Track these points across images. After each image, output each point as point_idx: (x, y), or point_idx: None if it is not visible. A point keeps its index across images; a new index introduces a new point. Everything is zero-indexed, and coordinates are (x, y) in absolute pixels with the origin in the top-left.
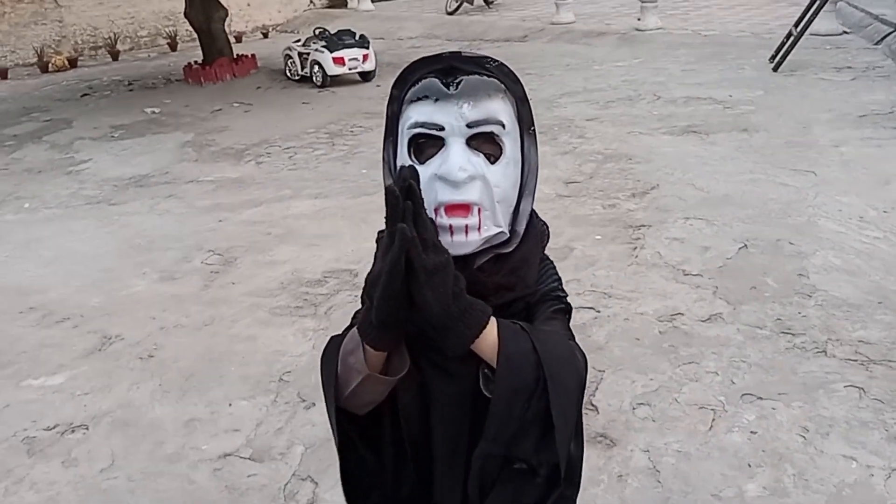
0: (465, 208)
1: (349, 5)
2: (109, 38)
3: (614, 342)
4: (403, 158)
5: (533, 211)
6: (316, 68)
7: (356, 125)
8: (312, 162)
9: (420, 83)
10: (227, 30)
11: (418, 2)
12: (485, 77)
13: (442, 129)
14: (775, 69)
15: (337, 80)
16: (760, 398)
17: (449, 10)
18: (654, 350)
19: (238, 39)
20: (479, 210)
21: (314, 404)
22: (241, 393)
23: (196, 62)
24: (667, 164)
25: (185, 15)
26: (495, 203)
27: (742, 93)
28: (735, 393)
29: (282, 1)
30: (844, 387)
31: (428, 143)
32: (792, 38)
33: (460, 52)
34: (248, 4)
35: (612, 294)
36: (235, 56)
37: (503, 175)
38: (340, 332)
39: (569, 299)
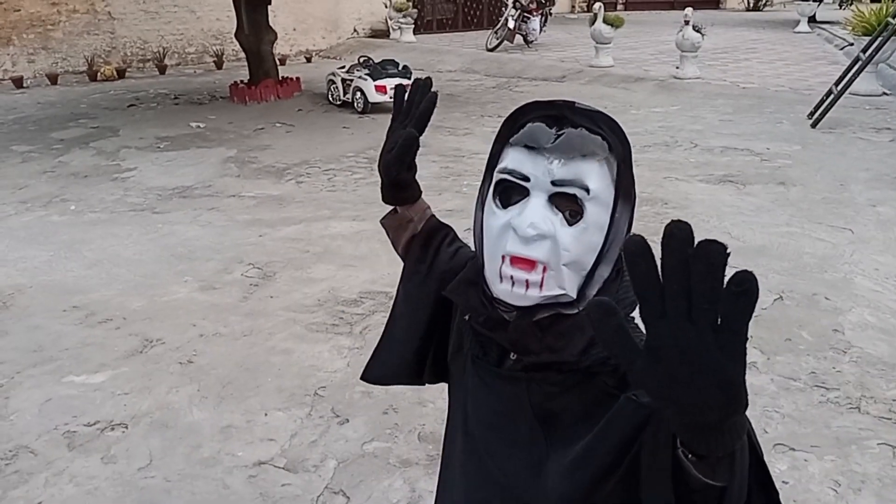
0: (529, 263)
1: (391, 36)
2: (158, 52)
3: None
4: (489, 199)
5: (621, 279)
6: (358, 95)
7: None
8: (351, 185)
9: (526, 127)
10: (273, 52)
11: (459, 36)
12: (588, 132)
13: (527, 180)
14: (814, 125)
15: (377, 108)
16: (793, 449)
17: (489, 46)
18: None
19: (282, 62)
20: (543, 268)
21: (347, 420)
22: (276, 404)
23: (242, 81)
24: (702, 212)
25: (236, 36)
26: (561, 265)
27: (779, 146)
28: (768, 442)
29: (326, 28)
30: (878, 444)
31: (515, 190)
32: (832, 97)
33: (574, 102)
34: (294, 29)
35: None
36: (281, 78)
37: (576, 239)
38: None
39: None
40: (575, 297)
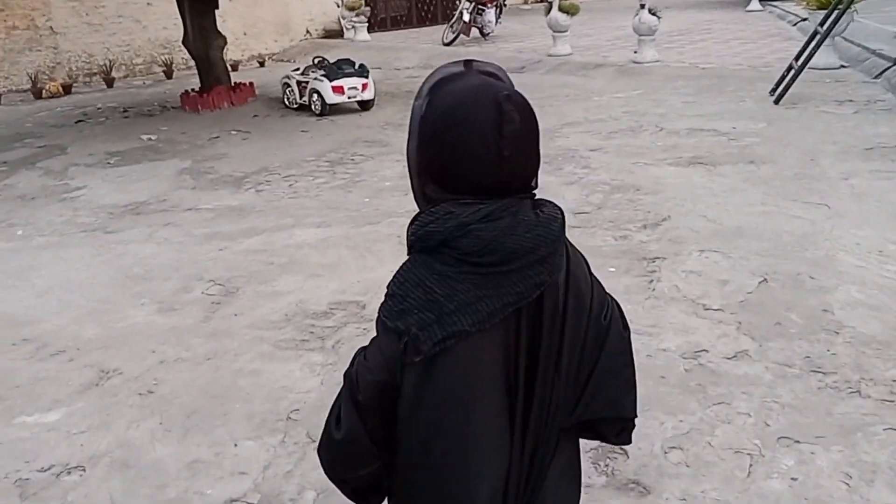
0: None
1: (345, 35)
2: (104, 65)
3: (638, 380)
4: None
5: None
6: (315, 97)
7: (357, 153)
8: (313, 190)
9: None
10: (224, 58)
11: (414, 33)
12: None
13: None
14: (776, 101)
15: (336, 109)
16: (797, 441)
17: (445, 41)
18: (682, 389)
19: (234, 68)
20: None
21: None
22: (246, 432)
23: (193, 90)
24: (675, 196)
25: (184, 43)
26: None
27: (745, 125)
28: (770, 436)
29: (278, 31)
30: (884, 430)
31: None
32: (793, 72)
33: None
34: (245, 33)
35: (632, 329)
36: (233, 84)
37: None
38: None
39: None
40: None
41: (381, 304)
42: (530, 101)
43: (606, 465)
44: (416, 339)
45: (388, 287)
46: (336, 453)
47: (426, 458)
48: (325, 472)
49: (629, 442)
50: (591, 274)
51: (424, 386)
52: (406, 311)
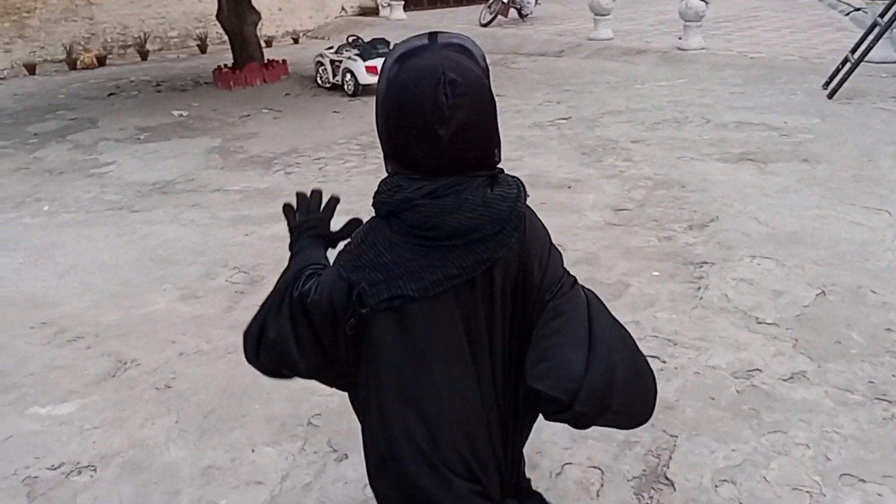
0: None
1: (381, 14)
2: (139, 37)
3: (686, 401)
4: None
5: None
6: (348, 76)
7: None
8: (343, 174)
9: None
10: (258, 34)
11: (451, 12)
12: None
13: None
14: (830, 96)
15: (369, 90)
16: (862, 480)
17: (483, 22)
18: (733, 413)
19: (268, 44)
20: None
21: (346, 456)
22: (265, 437)
23: (226, 65)
24: (724, 194)
25: (217, 17)
26: None
27: (797, 120)
28: (832, 472)
29: (313, 7)
30: None
31: None
32: (849, 65)
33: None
34: (280, 9)
35: (678, 342)
36: (266, 61)
37: None
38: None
39: None
40: None
41: (340, 252)
42: (570, 88)
43: (651, 497)
44: (364, 292)
45: (351, 238)
46: (272, 350)
47: (396, 405)
48: (252, 361)
49: (575, 426)
50: (550, 252)
51: (387, 339)
52: (359, 267)
